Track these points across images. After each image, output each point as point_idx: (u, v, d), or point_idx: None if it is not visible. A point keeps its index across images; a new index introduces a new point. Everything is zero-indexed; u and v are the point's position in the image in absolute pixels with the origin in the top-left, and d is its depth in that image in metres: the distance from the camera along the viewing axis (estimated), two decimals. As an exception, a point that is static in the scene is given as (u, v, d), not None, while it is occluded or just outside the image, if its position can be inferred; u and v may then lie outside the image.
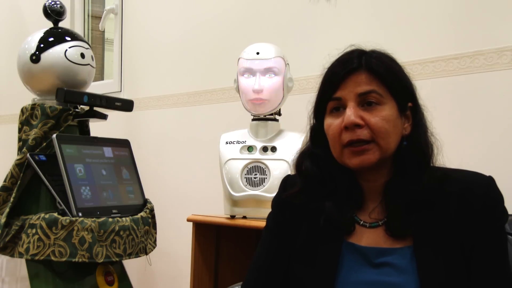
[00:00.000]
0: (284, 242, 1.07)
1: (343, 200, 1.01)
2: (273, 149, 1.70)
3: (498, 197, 0.97)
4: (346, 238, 1.01)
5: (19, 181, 1.75)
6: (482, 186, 0.97)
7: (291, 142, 1.69)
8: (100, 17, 2.94)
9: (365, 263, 0.98)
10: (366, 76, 0.98)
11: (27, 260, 1.71)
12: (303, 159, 1.07)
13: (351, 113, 0.96)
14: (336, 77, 1.00)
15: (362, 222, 1.01)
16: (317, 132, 1.06)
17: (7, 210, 1.72)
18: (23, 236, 1.68)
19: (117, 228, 1.72)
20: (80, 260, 1.65)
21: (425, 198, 0.96)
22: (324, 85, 1.03)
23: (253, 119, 1.76)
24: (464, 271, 0.93)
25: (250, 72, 1.69)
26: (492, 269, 0.94)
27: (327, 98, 1.01)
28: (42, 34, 1.97)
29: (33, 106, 1.84)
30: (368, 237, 1.00)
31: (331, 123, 1.00)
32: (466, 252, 0.94)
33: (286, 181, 1.13)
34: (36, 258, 1.65)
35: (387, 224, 0.98)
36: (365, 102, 0.97)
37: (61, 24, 2.06)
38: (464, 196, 0.96)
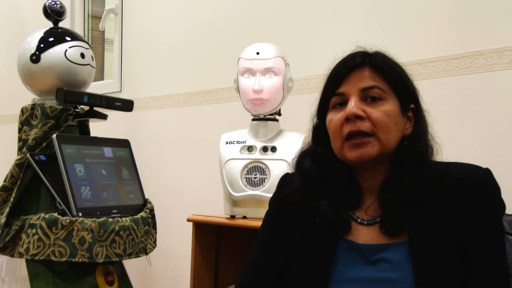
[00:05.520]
0: (280, 240, 1.07)
1: (340, 199, 1.02)
2: (273, 149, 1.70)
3: (495, 188, 0.97)
4: (344, 235, 1.01)
5: (19, 181, 1.75)
6: (479, 178, 0.97)
7: (291, 142, 1.69)
8: (100, 17, 2.94)
9: (361, 261, 0.98)
10: (370, 72, 1.00)
11: (27, 260, 1.71)
12: (304, 158, 1.07)
13: (353, 105, 0.97)
14: (340, 73, 1.01)
15: (359, 220, 1.01)
16: (319, 131, 1.06)
17: (7, 210, 1.72)
18: (23, 236, 1.68)
19: (117, 228, 1.72)
20: (80, 260, 1.65)
21: (420, 195, 0.96)
22: (328, 82, 1.04)
23: (253, 119, 1.76)
24: (459, 265, 0.93)
25: (250, 72, 1.69)
26: (489, 261, 0.94)
27: (331, 93, 1.02)
28: (42, 34, 1.97)
29: (33, 106, 1.84)
30: (365, 234, 1.00)
31: (333, 117, 1.01)
32: (463, 244, 0.94)
33: (285, 180, 1.13)
34: (36, 258, 1.65)
35: (382, 222, 0.99)
36: (368, 97, 0.98)
37: (61, 24, 2.06)
38: (460, 188, 0.96)
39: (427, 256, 0.93)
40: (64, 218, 1.66)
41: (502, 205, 0.98)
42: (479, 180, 0.96)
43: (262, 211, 1.62)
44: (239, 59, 1.73)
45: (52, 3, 2.01)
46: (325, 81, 1.05)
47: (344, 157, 1.00)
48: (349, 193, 1.03)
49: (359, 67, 1.00)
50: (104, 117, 1.95)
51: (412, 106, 1.03)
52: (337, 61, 1.04)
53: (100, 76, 3.35)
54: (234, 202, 1.68)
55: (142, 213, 1.86)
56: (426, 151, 1.01)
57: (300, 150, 1.11)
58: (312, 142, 1.08)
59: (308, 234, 1.03)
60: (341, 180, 1.02)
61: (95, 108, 1.92)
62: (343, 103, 1.00)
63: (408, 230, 0.96)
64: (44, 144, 1.79)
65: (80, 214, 1.68)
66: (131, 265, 2.13)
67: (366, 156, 0.97)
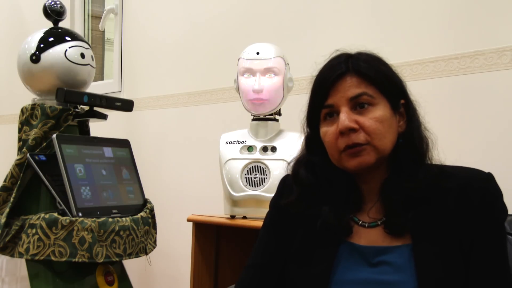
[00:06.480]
0: (280, 242, 1.07)
1: (341, 204, 1.01)
2: (273, 149, 1.70)
3: (497, 193, 0.97)
4: (345, 238, 1.01)
5: (19, 181, 1.75)
6: (481, 182, 0.97)
7: (291, 142, 1.69)
8: (100, 17, 2.94)
9: (363, 263, 0.98)
10: (355, 79, 0.98)
11: (27, 260, 1.71)
12: (299, 167, 1.06)
13: (345, 118, 0.96)
14: (326, 84, 1.00)
15: (361, 222, 1.01)
16: (312, 140, 1.06)
17: (7, 210, 1.72)
18: (23, 236, 1.68)
19: (117, 228, 1.72)
20: (80, 260, 1.65)
21: (422, 194, 0.96)
22: (315, 93, 1.03)
23: (253, 119, 1.76)
24: (462, 267, 0.93)
25: (250, 72, 1.69)
26: (491, 265, 0.94)
27: (319, 106, 1.01)
28: (42, 34, 1.97)
29: (33, 106, 1.84)
30: (367, 237, 1.00)
31: (327, 130, 1.00)
32: (465, 248, 0.94)
33: (285, 181, 1.13)
34: (36, 258, 1.65)
35: (385, 223, 0.98)
36: (358, 105, 0.97)
37: (61, 24, 2.06)
38: (463, 192, 0.96)
39: (430, 258, 0.93)
40: (64, 218, 1.66)
41: (504, 209, 0.98)
42: (481, 184, 0.96)
43: (262, 211, 1.62)
44: (239, 59, 1.73)
45: (52, 3, 2.02)
46: (311, 90, 1.03)
47: (343, 166, 1.00)
48: (350, 198, 1.02)
49: (344, 75, 0.99)
50: (104, 117, 1.95)
51: (402, 101, 1.02)
52: (319, 67, 1.03)
53: (100, 76, 3.35)
54: (234, 202, 1.68)
55: (142, 213, 1.86)
56: (422, 145, 1.00)
57: (294, 159, 1.09)
58: (306, 151, 1.08)
59: (309, 236, 1.03)
60: (341, 185, 1.02)
61: (95, 108, 1.92)
62: (334, 113, 0.99)
63: (411, 232, 0.96)
64: (44, 144, 1.79)
65: (80, 214, 1.68)
66: (131, 265, 2.13)
67: (365, 164, 0.97)
